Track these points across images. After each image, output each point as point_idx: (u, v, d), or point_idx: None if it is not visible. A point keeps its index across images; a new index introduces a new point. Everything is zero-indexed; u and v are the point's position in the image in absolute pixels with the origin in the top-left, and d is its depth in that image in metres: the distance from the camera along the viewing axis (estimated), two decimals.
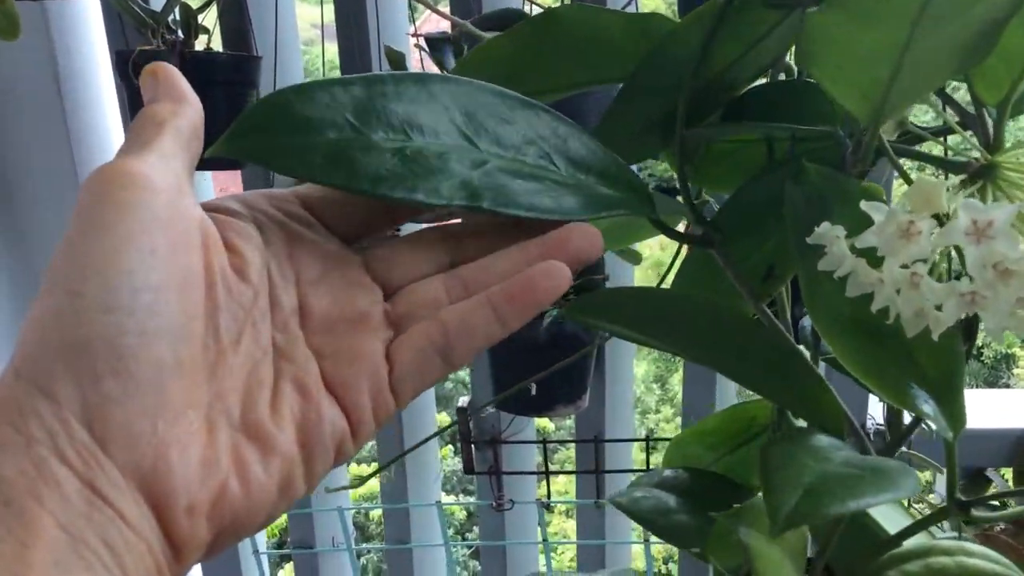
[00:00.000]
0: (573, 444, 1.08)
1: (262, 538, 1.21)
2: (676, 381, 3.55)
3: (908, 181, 0.34)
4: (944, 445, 0.34)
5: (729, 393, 0.98)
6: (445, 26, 0.81)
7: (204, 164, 0.96)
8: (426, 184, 0.29)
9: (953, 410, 0.33)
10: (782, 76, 0.42)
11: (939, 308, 0.30)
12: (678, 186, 0.39)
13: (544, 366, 0.81)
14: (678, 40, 0.38)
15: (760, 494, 0.41)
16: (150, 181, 0.25)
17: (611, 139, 0.39)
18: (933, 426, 0.33)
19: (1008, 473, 0.78)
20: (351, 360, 0.29)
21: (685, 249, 0.47)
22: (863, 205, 0.30)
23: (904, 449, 0.62)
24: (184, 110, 0.28)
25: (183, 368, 0.25)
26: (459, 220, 0.33)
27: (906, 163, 0.36)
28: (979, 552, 0.37)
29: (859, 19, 0.27)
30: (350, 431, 0.29)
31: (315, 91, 0.28)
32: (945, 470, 0.62)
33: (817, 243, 0.32)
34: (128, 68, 0.86)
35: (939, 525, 0.60)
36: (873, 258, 0.31)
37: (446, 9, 0.87)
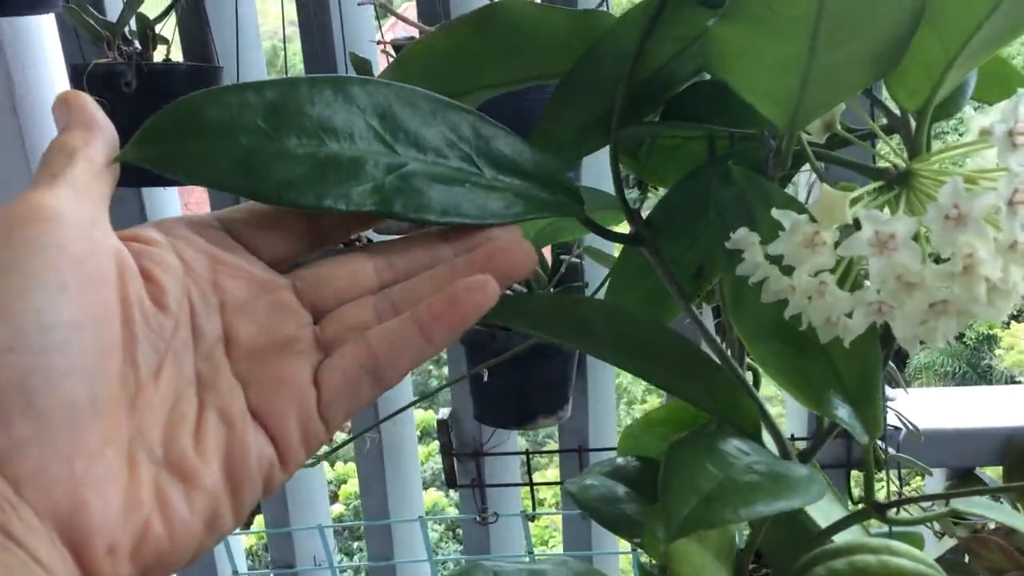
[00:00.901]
0: (556, 454, 1.07)
1: (241, 558, 1.20)
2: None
3: (825, 183, 0.34)
4: (862, 449, 0.34)
5: None
6: (413, 31, 0.80)
7: (165, 180, 0.93)
8: (336, 190, 0.29)
9: (869, 414, 0.33)
10: None
11: (850, 316, 0.30)
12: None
13: (523, 375, 0.81)
14: (616, 37, 0.38)
15: None
16: (58, 215, 0.25)
17: (550, 136, 0.40)
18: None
19: (992, 471, 0.77)
20: (277, 386, 0.28)
21: None
22: (773, 212, 0.30)
23: (892, 451, 0.62)
24: (95, 138, 0.28)
25: (99, 405, 0.24)
26: (392, 237, 0.32)
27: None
28: (904, 551, 0.38)
29: (759, 31, 0.27)
30: (278, 460, 0.28)
31: (225, 95, 0.28)
32: (932, 473, 0.62)
33: (735, 248, 0.32)
34: (83, 82, 0.85)
35: (929, 525, 0.60)
36: (786, 265, 0.31)
37: (413, 15, 0.86)
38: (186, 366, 0.27)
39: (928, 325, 0.30)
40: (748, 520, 0.27)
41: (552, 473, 2.37)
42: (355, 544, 2.89)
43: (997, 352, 3.66)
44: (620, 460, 0.51)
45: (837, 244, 0.29)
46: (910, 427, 0.68)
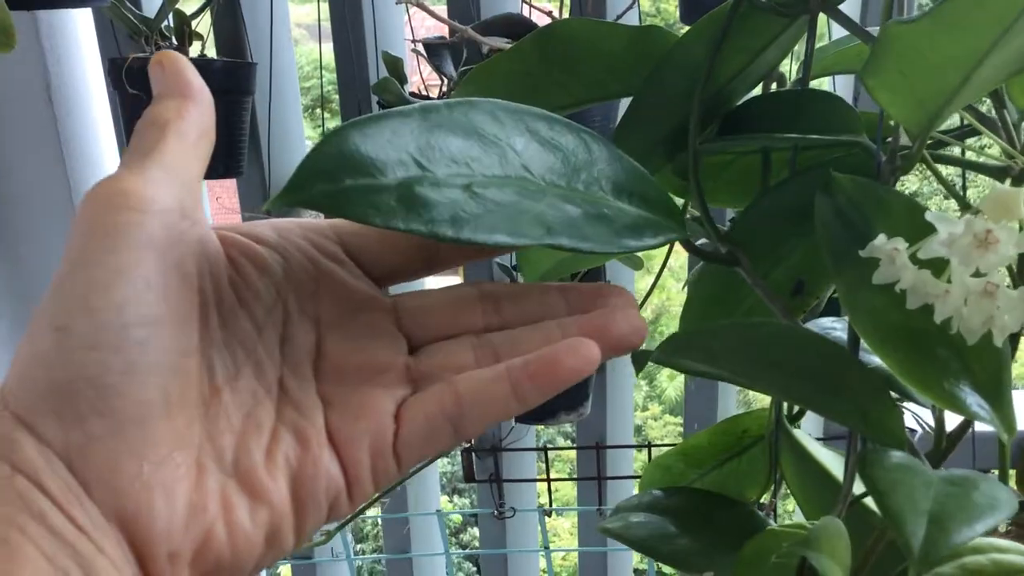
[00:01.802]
0: (572, 450, 1.07)
1: None
2: (664, 378, 3.56)
3: (946, 186, 0.34)
4: (999, 447, 0.34)
5: (730, 399, 0.99)
6: (443, 30, 0.78)
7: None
8: (507, 225, 0.26)
9: (1004, 411, 0.33)
10: (774, 86, 0.41)
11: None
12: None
13: None
14: (684, 52, 0.37)
15: (823, 519, 0.40)
16: (147, 202, 0.24)
17: (629, 145, 0.38)
18: (989, 428, 0.33)
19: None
20: (358, 414, 0.27)
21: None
22: (929, 216, 0.30)
23: None
24: (189, 109, 0.26)
25: (173, 407, 0.24)
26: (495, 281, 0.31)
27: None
28: (1011, 548, 0.38)
29: (947, 27, 0.26)
30: (346, 488, 0.27)
31: (375, 126, 0.25)
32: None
33: (870, 256, 0.32)
34: (121, 76, 0.84)
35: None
36: (935, 269, 0.31)
37: (443, 11, 0.84)
38: (268, 375, 0.26)
39: None
40: (979, 535, 0.26)
41: (562, 468, 2.34)
42: (358, 546, 2.78)
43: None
44: (658, 492, 0.50)
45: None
46: (926, 428, 0.70)
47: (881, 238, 0.31)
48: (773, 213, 0.38)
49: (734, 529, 0.47)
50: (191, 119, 0.26)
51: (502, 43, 0.60)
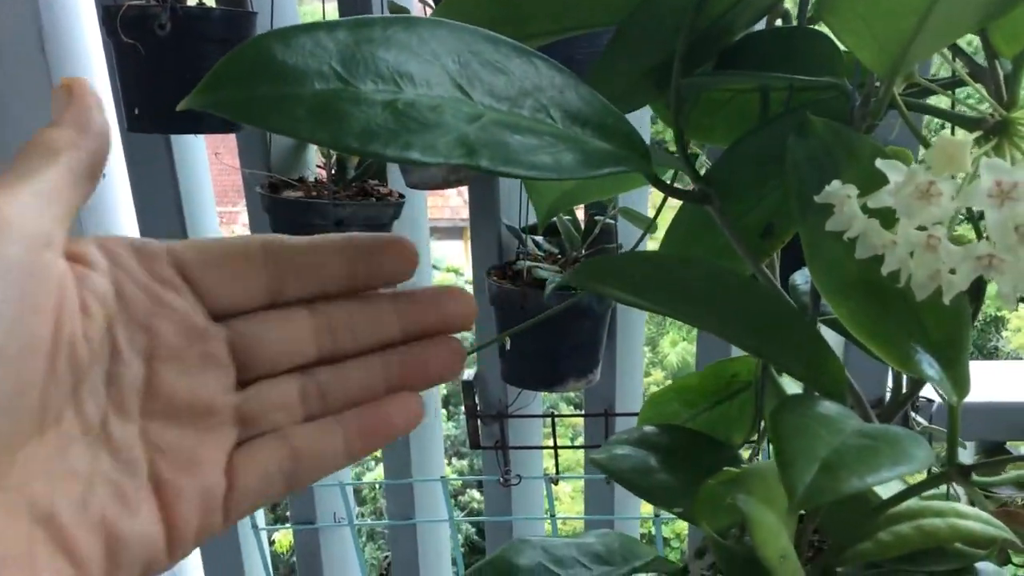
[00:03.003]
0: (577, 418, 1.05)
1: (261, 514, 1.21)
2: (666, 344, 3.56)
3: (918, 137, 0.32)
4: (948, 410, 0.33)
5: None
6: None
7: (197, 127, 0.94)
8: (421, 140, 0.26)
9: (957, 374, 0.32)
10: (778, 23, 0.40)
11: (952, 272, 0.29)
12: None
13: (555, 337, 0.79)
14: None
15: (757, 462, 0.40)
16: (10, 227, 0.22)
17: (602, 87, 0.37)
18: (938, 390, 0.32)
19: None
20: (187, 467, 0.26)
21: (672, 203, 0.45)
22: (879, 163, 0.29)
23: (924, 423, 0.61)
24: (86, 143, 0.25)
25: None
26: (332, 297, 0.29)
27: None
28: (971, 514, 0.37)
29: None
30: (166, 549, 0.25)
31: (298, 36, 0.26)
32: (966, 445, 0.62)
33: (825, 202, 0.31)
34: (116, 24, 0.82)
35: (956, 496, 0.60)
36: (886, 219, 0.30)
37: None
38: (91, 416, 0.24)
39: None
40: (871, 486, 0.26)
41: (563, 435, 2.35)
42: (357, 509, 2.92)
43: (1004, 334, 3.66)
44: (649, 429, 0.50)
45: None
46: (945, 399, 0.66)
47: (835, 183, 0.30)
48: (752, 155, 0.37)
49: (714, 470, 0.47)
50: (84, 155, 0.25)
51: None
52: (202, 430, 0.26)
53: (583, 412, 1.03)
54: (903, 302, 0.32)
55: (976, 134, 0.30)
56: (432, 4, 0.73)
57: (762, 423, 0.47)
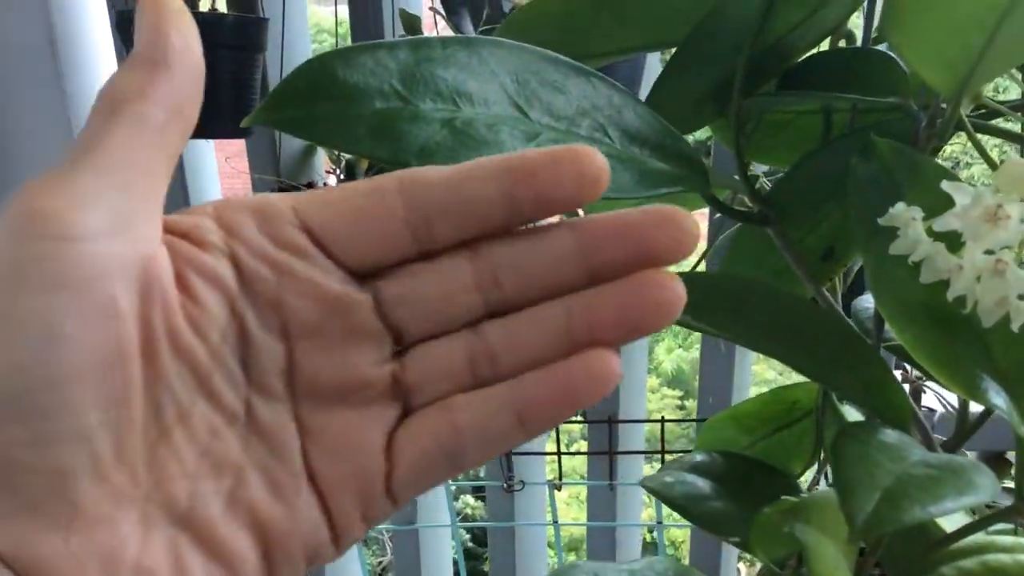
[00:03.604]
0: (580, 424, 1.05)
1: None
2: (662, 351, 3.52)
3: (986, 158, 0.31)
4: (1016, 441, 0.32)
5: (746, 373, 0.95)
6: None
7: (207, 132, 0.94)
8: (477, 157, 0.26)
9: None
10: (842, 43, 0.39)
11: (1021, 297, 0.28)
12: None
13: None
14: (738, 2, 0.36)
15: (817, 491, 0.39)
16: (65, 228, 0.19)
17: (662, 108, 0.37)
18: (1007, 419, 0.31)
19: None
20: (342, 450, 0.23)
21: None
22: (945, 185, 0.28)
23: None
24: (158, 83, 0.21)
25: (107, 467, 0.20)
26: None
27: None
28: None
29: None
30: (332, 541, 0.23)
31: (359, 56, 0.26)
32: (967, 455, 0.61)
33: (889, 225, 0.30)
34: (130, 30, 0.83)
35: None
36: (952, 242, 0.29)
37: None
38: (230, 403, 0.22)
39: None
40: (934, 517, 0.25)
41: (565, 441, 2.33)
42: None
43: None
44: (701, 456, 0.49)
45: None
46: (949, 408, 0.66)
47: (900, 206, 0.30)
48: (813, 176, 0.36)
49: (771, 498, 0.46)
50: (157, 97, 0.21)
51: (469, 28, 0.59)
52: (356, 409, 0.23)
53: (586, 418, 1.02)
54: (969, 328, 0.31)
55: None
56: (442, 12, 0.73)
57: (822, 452, 0.46)
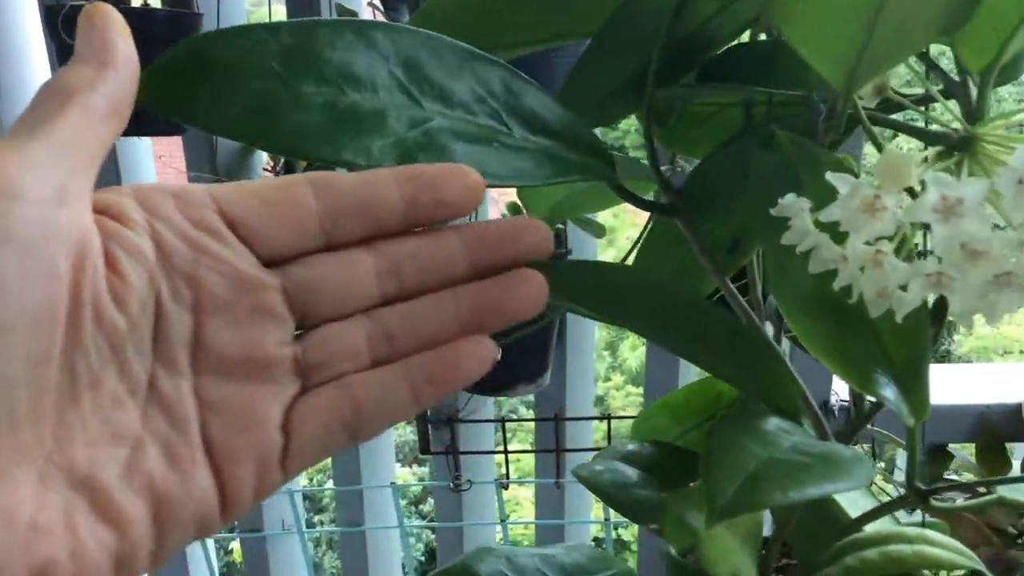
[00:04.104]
0: (531, 422, 1.05)
1: None
2: (626, 348, 3.56)
3: (877, 146, 0.31)
4: (906, 432, 0.32)
5: (691, 368, 0.96)
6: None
7: (141, 129, 0.92)
8: (355, 143, 0.27)
9: (917, 396, 0.31)
10: (763, 36, 0.39)
11: (904, 288, 0.28)
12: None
13: (506, 341, 0.79)
14: None
15: None
16: (17, 189, 0.20)
17: (578, 97, 0.37)
18: (895, 412, 0.31)
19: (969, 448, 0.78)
20: (241, 424, 0.24)
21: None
22: (828, 176, 0.28)
23: (883, 431, 0.61)
24: (106, 79, 0.23)
25: (19, 421, 0.21)
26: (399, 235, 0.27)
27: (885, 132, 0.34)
28: (941, 541, 0.36)
29: None
30: (220, 509, 0.24)
31: (238, 36, 0.26)
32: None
33: (782, 215, 0.30)
34: (58, 24, 0.80)
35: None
36: (838, 233, 0.29)
37: None
38: (136, 374, 0.23)
39: (989, 299, 0.28)
40: (796, 502, 0.26)
41: (524, 439, 2.36)
42: (316, 517, 2.87)
43: (956, 337, 3.69)
44: (632, 445, 0.49)
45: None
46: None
47: (790, 196, 0.30)
48: (724, 169, 0.36)
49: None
50: (104, 92, 0.23)
51: None
52: (258, 384, 0.25)
53: (533, 416, 1.02)
54: (862, 321, 0.31)
55: (938, 149, 0.30)
56: (380, 7, 0.73)
57: None
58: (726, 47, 0.39)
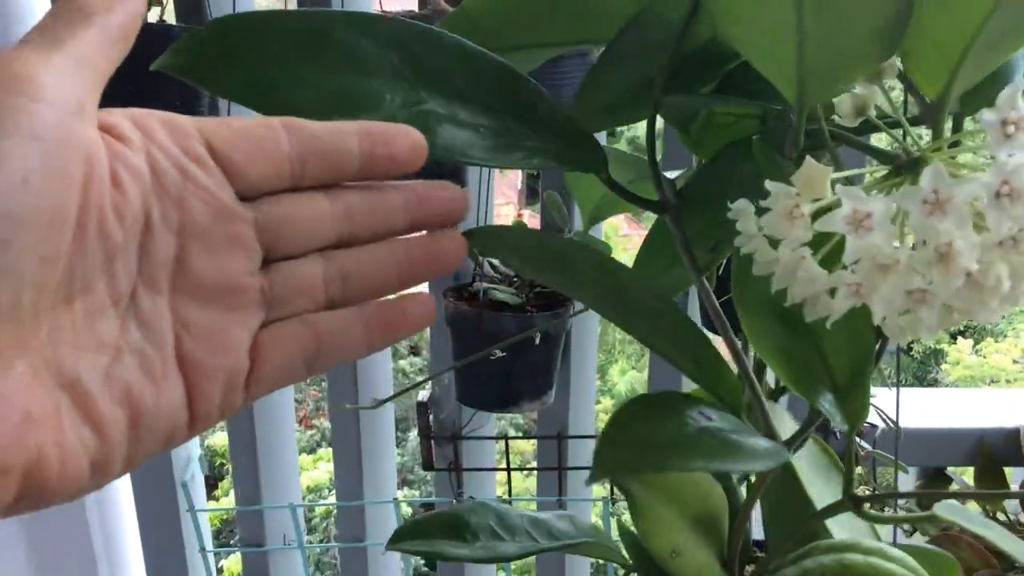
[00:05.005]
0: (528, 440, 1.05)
1: (208, 535, 1.16)
2: (616, 372, 3.61)
3: (840, 167, 0.33)
4: (844, 437, 0.33)
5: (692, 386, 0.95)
6: (412, 5, 0.80)
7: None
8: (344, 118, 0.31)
9: (854, 404, 0.33)
10: None
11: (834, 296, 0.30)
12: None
13: (510, 359, 0.82)
14: (665, 3, 0.38)
15: None
16: (44, 93, 0.22)
17: (594, 97, 0.40)
18: (829, 418, 0.33)
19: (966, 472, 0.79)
20: (213, 347, 0.26)
21: None
22: (767, 184, 0.30)
23: (867, 446, 0.61)
24: (123, 4, 0.25)
25: (22, 313, 0.22)
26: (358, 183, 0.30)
27: None
28: (898, 557, 0.37)
29: None
30: (188, 422, 0.26)
31: (253, 16, 0.31)
32: (908, 470, 0.60)
33: (734, 218, 0.32)
34: None
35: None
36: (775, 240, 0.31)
37: None
38: (121, 287, 0.25)
39: (911, 316, 0.29)
40: (682, 470, 0.28)
41: (513, 459, 2.27)
42: (306, 538, 2.89)
43: (943, 367, 3.72)
44: None
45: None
46: (889, 424, 0.67)
47: (741, 201, 0.32)
48: (718, 173, 0.39)
49: None
50: (118, 16, 0.25)
51: None
52: (228, 309, 0.27)
53: (536, 434, 1.02)
54: (808, 329, 0.33)
55: (886, 169, 0.31)
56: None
57: None
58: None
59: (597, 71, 0.40)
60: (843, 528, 0.40)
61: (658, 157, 0.39)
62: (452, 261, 0.31)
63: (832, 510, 0.35)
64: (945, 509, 0.32)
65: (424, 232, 0.31)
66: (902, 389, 0.66)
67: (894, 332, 0.30)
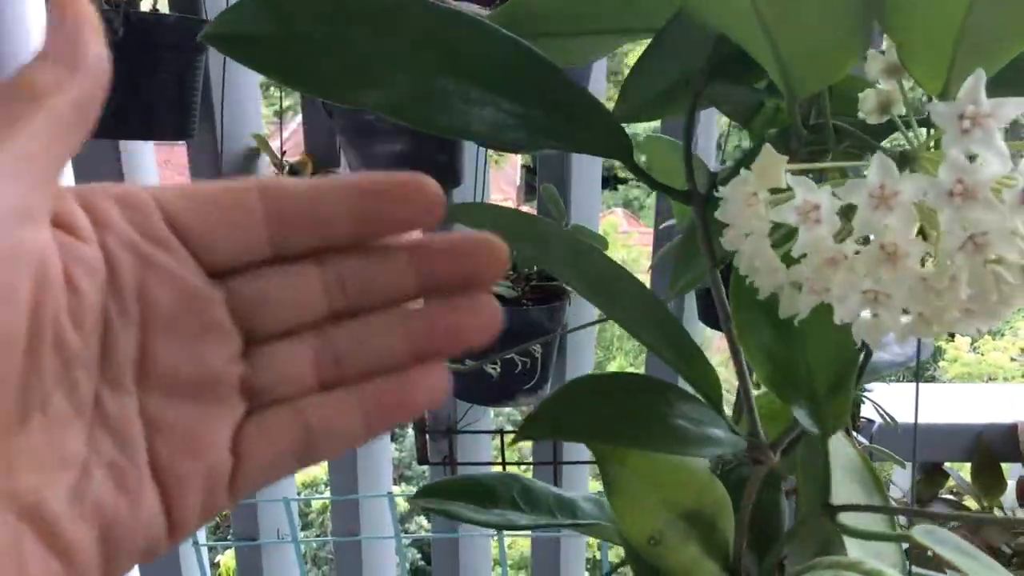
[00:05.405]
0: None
1: (202, 529, 1.12)
2: (614, 369, 3.50)
3: (846, 159, 0.32)
4: (820, 443, 0.32)
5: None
6: None
7: (148, 133, 0.93)
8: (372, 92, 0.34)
9: (832, 408, 0.32)
10: None
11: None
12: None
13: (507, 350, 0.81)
14: None
15: None
16: None
17: (637, 89, 0.41)
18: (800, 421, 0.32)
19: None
20: (189, 447, 0.23)
21: None
22: (742, 172, 0.30)
23: (866, 442, 0.58)
24: (75, 83, 0.21)
25: None
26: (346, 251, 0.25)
27: None
28: (873, 571, 0.35)
29: None
30: (167, 534, 0.23)
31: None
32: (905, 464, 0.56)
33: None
34: None
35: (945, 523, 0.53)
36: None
37: None
38: (82, 394, 0.22)
39: (872, 320, 0.28)
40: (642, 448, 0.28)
41: (510, 454, 2.18)
42: (302, 533, 2.86)
43: (941, 364, 3.58)
44: None
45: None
46: (887, 419, 0.64)
47: (726, 188, 0.32)
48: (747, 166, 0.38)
49: None
50: (72, 96, 0.21)
51: (476, 10, 0.58)
52: (205, 403, 0.24)
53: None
54: (793, 330, 0.32)
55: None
56: None
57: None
58: None
59: (643, 63, 0.41)
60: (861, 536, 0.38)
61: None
62: (483, 333, 0.25)
63: (807, 520, 0.34)
64: (922, 533, 0.30)
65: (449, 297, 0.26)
66: (899, 385, 0.63)
67: (858, 330, 0.29)
